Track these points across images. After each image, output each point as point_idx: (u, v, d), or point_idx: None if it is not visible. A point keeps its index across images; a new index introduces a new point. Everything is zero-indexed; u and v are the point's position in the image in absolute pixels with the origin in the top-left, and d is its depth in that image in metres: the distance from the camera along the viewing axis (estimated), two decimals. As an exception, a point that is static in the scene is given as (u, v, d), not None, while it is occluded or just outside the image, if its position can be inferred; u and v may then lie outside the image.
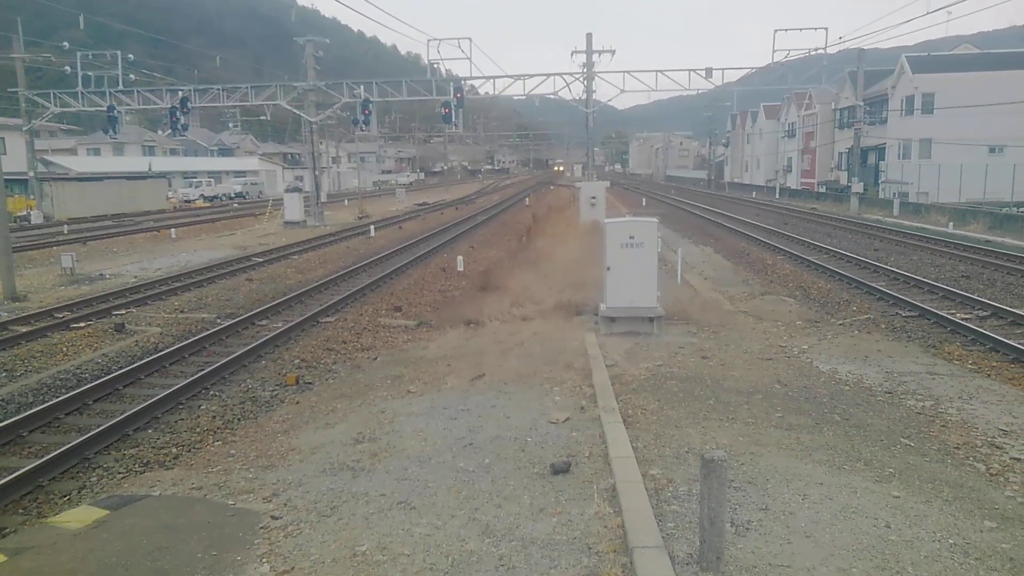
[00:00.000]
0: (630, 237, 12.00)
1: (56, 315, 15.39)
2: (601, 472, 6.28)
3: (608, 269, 12.08)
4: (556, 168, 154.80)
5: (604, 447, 6.79)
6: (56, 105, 39.63)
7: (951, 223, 31.54)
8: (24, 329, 14.08)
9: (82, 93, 38.24)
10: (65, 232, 34.36)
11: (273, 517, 5.80)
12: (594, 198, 28.22)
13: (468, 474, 6.43)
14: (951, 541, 5.07)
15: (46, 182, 44.57)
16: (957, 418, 8.27)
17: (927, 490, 6.03)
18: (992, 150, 42.66)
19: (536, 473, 6.37)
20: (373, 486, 6.29)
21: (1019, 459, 7.01)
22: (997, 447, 7.35)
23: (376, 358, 12.35)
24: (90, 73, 39.30)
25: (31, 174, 42.64)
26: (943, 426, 8.00)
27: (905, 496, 5.82)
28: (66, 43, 43.08)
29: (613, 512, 5.47)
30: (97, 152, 77.75)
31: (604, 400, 8.17)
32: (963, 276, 18.81)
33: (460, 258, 22.04)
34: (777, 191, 63.34)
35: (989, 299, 15.27)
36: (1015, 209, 33.96)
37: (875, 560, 4.75)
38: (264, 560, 5.10)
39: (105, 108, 37.49)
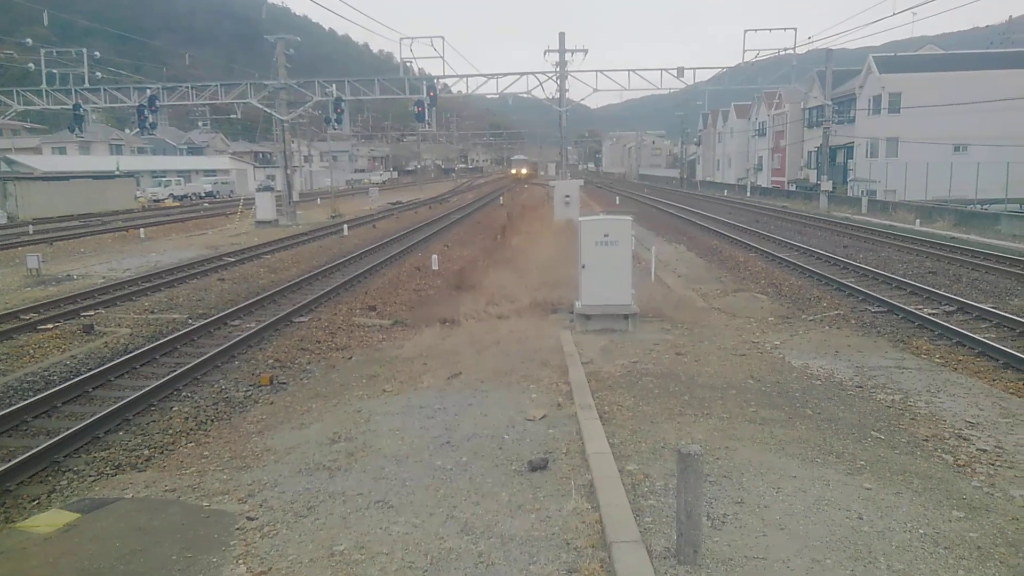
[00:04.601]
0: (605, 235, 12.06)
1: (22, 317, 15.08)
2: (578, 468, 6.31)
3: (583, 267, 12.13)
4: (516, 171, 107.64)
5: (581, 443, 6.82)
6: (19, 103, 38.76)
7: (918, 220, 32.13)
8: (-11, 331, 13.78)
9: (47, 91, 37.45)
10: (30, 232, 33.65)
11: (249, 518, 5.74)
12: (568, 196, 28.38)
13: (446, 472, 6.42)
14: (921, 531, 5.17)
15: (10, 181, 43.62)
16: (925, 411, 8.43)
17: (897, 482, 6.14)
18: (956, 149, 43.53)
19: (514, 470, 6.38)
20: (350, 485, 6.26)
21: (985, 450, 7.16)
22: (964, 439, 7.50)
23: (351, 358, 12.28)
24: (55, 70, 38.52)
25: (-6, 173, 41.77)
26: (912, 419, 8.15)
27: (876, 488, 5.93)
28: (29, 40, 42.27)
29: (591, 508, 5.50)
30: (63, 151, 76.35)
31: (580, 397, 8.21)
32: (930, 272, 19.17)
33: (435, 257, 21.98)
34: (748, 189, 64.01)
35: (955, 295, 15.58)
36: (979, 207, 34.69)
37: (848, 551, 4.84)
38: (240, 561, 5.05)
39: (71, 106, 36.74)
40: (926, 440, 7.47)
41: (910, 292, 16.30)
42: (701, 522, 4.79)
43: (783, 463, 6.40)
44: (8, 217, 40.23)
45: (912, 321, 13.59)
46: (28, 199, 42.87)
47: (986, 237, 26.43)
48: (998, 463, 6.83)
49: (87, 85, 37.58)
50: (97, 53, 40.53)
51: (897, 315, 14.15)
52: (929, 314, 13.82)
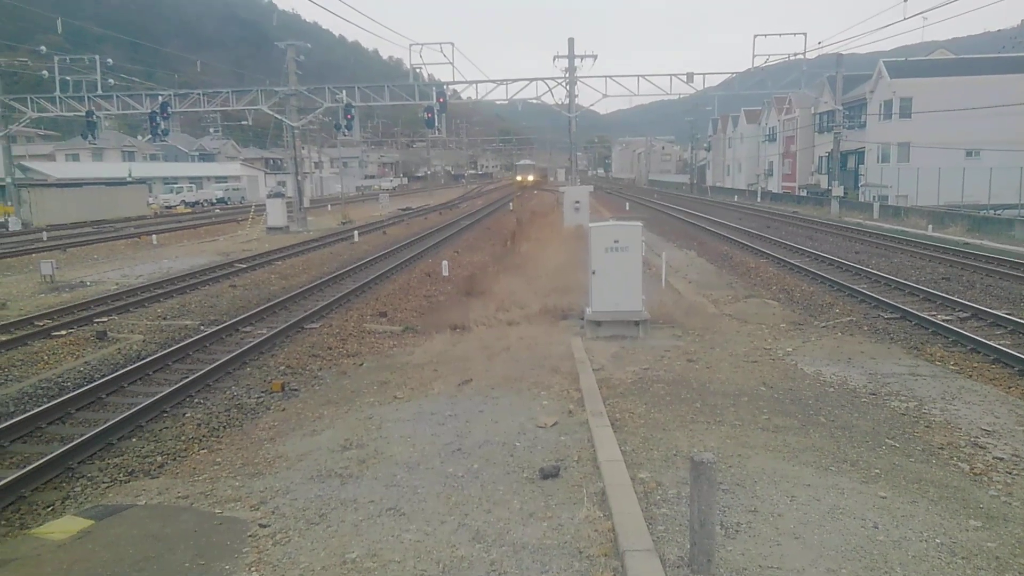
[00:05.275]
0: (615, 241, 12.05)
1: (37, 323, 15.19)
2: (590, 476, 6.29)
3: (593, 273, 12.12)
4: (522, 178, 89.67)
5: (593, 451, 6.80)
6: (33, 110, 39.16)
7: (930, 226, 31.95)
8: (4, 338, 13.88)
9: (60, 98, 37.81)
10: (44, 239, 33.93)
11: (261, 525, 5.75)
12: (578, 202, 28.42)
13: (457, 479, 6.41)
14: (938, 541, 5.12)
15: (24, 188, 44.01)
16: (940, 419, 8.36)
17: (913, 490, 6.09)
18: (969, 153, 43.28)
19: (525, 478, 6.37)
20: (362, 493, 6.26)
21: (1002, 459, 7.09)
22: (980, 447, 7.43)
23: (362, 364, 12.29)
24: (68, 77, 38.85)
25: (8, 180, 42.13)
26: (927, 427, 8.08)
27: (891, 496, 5.88)
28: (43, 47, 42.67)
29: (603, 516, 5.48)
30: (76, 158, 76.95)
31: (592, 404, 8.18)
32: (943, 278, 19.04)
33: (445, 263, 22.01)
34: (759, 195, 63.85)
35: (969, 300, 15.47)
36: (992, 212, 34.46)
37: (864, 561, 4.79)
38: (253, 569, 5.06)
39: (84, 113, 37.08)
40: (941, 448, 7.40)
41: (923, 298, 16.19)
42: (715, 531, 4.76)
43: (797, 471, 6.36)
44: (23, 223, 40.56)
45: (926, 327, 13.50)
46: (42, 206, 43.25)
47: (1000, 243, 26.23)
48: (1015, 471, 6.77)
49: (100, 92, 37.90)
50: (110, 60, 40.88)
51: (910, 321, 14.05)
52: (943, 320, 13.72)
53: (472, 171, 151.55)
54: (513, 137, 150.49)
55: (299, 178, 40.55)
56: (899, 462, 6.83)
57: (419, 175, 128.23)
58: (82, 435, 8.84)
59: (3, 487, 7.41)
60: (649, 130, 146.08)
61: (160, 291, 19.20)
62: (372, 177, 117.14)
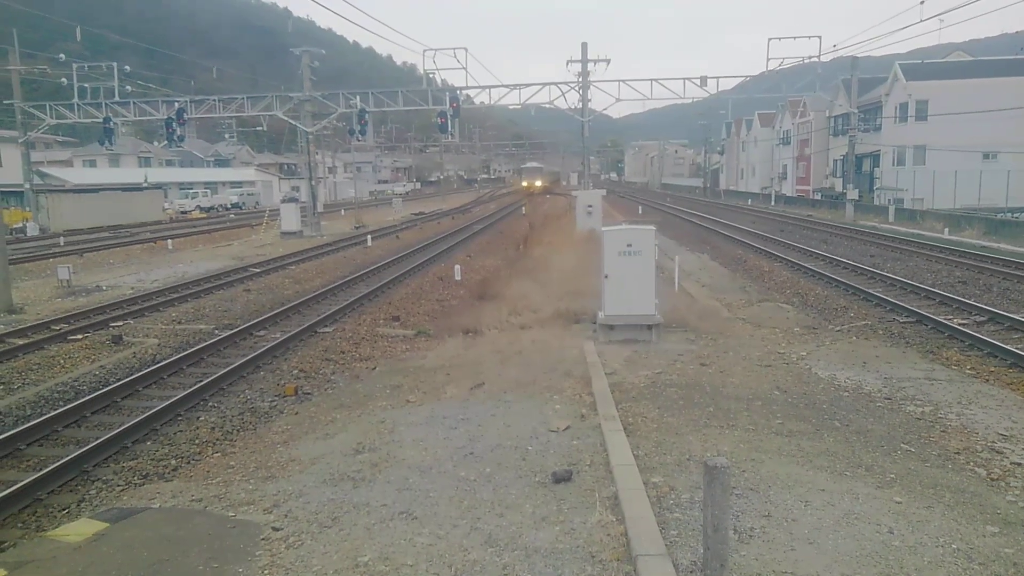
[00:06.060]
0: (628, 245, 12.02)
1: (53, 327, 15.34)
2: (603, 480, 6.27)
3: (606, 277, 12.09)
4: (528, 184, 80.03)
5: (605, 455, 6.79)
6: (52, 117, 39.63)
7: (946, 229, 31.67)
8: (21, 341, 14.04)
9: (78, 105, 38.26)
10: (61, 244, 34.28)
11: (274, 528, 5.77)
12: (591, 207, 28.39)
13: (469, 483, 6.41)
14: (954, 546, 5.07)
15: (42, 194, 44.49)
16: (957, 423, 8.28)
17: (929, 495, 6.03)
18: (986, 156, 42.87)
19: (538, 482, 6.36)
20: (374, 496, 6.27)
21: (1020, 464, 7.01)
22: (997, 452, 7.35)
23: (375, 368, 12.33)
24: (86, 85, 39.32)
25: (27, 186, 42.61)
26: (943, 431, 8.01)
27: (907, 502, 5.83)
28: (62, 55, 43.13)
29: (616, 520, 5.46)
30: (93, 164, 77.79)
31: (604, 408, 8.16)
32: (959, 282, 18.86)
33: (457, 267, 22.04)
34: (773, 198, 63.55)
35: (986, 304, 15.31)
36: (1010, 215, 34.12)
37: (879, 566, 4.75)
38: (266, 572, 5.08)
39: (101, 120, 37.49)
40: (958, 453, 7.33)
41: (939, 302, 16.04)
42: (728, 536, 4.72)
43: (811, 476, 6.31)
44: (40, 229, 41.01)
45: (942, 331, 13.37)
46: (59, 211, 43.71)
47: (1017, 245, 25.96)
48: (1033, 477, 6.68)
49: (117, 99, 38.29)
50: (127, 67, 41.29)
51: (926, 325, 13.93)
52: (959, 324, 13.58)
53: (485, 176, 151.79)
54: (526, 141, 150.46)
55: (313, 183, 40.77)
56: (915, 467, 6.77)
57: (432, 180, 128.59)
58: (97, 438, 8.91)
59: (20, 490, 7.48)
60: (662, 134, 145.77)
61: (175, 295, 19.35)
62: (385, 182, 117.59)
